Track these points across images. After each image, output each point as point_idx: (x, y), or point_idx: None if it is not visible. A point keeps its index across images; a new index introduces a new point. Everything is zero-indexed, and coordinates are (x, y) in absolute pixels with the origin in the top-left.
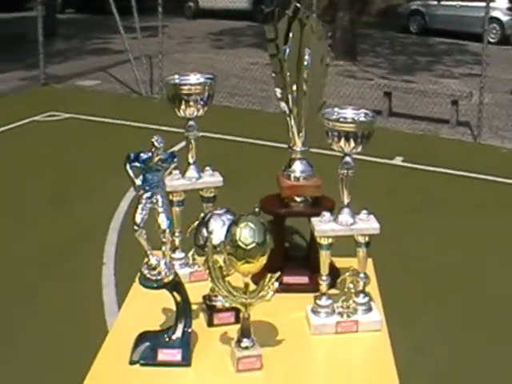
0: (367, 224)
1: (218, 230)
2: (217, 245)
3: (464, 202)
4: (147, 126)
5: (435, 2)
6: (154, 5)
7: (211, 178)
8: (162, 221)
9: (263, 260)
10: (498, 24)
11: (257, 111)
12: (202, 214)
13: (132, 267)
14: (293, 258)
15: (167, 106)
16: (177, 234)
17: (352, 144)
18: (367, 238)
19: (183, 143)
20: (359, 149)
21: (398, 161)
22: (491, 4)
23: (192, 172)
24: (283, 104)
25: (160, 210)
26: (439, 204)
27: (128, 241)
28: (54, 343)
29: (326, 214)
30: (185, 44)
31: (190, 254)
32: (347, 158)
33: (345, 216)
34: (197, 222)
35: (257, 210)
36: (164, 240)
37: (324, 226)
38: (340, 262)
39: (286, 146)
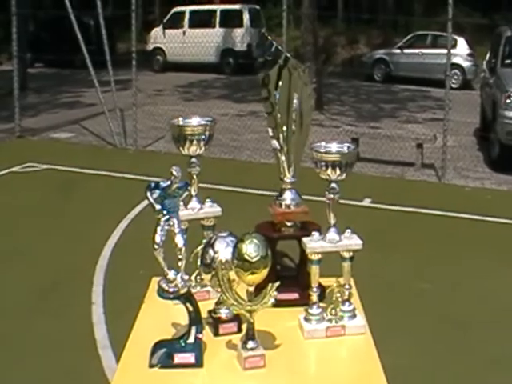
0: (351, 241)
1: (222, 249)
2: (223, 262)
3: (431, 238)
4: (123, 176)
5: (398, 51)
6: (125, 59)
7: (211, 209)
8: (179, 240)
9: (266, 271)
10: (459, 70)
11: (229, 160)
12: (204, 240)
13: (120, 305)
14: (284, 278)
15: (141, 157)
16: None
17: (338, 172)
18: (351, 253)
19: None
20: (343, 176)
21: (366, 202)
22: (452, 51)
23: (194, 203)
24: (274, 141)
25: (176, 231)
26: (408, 240)
27: (115, 282)
28: (49, 376)
29: (316, 234)
30: (155, 97)
31: (193, 276)
32: (333, 184)
33: (332, 234)
34: (200, 248)
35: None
36: (180, 257)
37: (314, 243)
38: (325, 281)
39: (259, 192)
